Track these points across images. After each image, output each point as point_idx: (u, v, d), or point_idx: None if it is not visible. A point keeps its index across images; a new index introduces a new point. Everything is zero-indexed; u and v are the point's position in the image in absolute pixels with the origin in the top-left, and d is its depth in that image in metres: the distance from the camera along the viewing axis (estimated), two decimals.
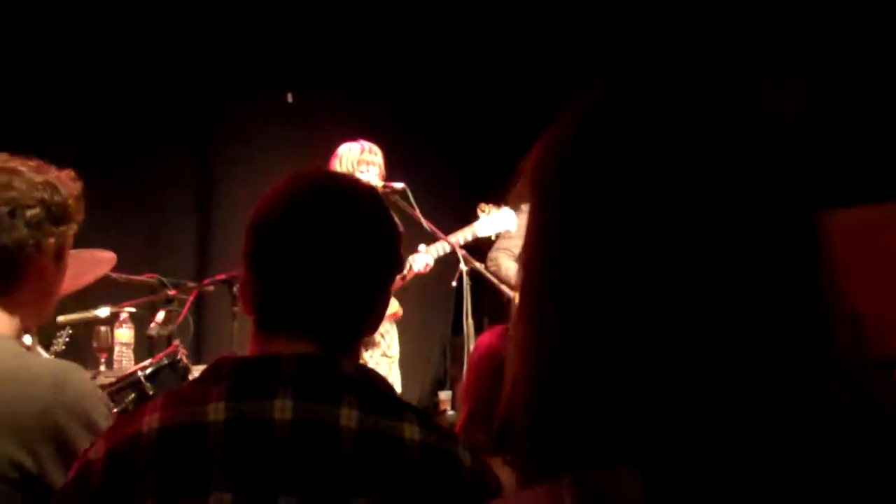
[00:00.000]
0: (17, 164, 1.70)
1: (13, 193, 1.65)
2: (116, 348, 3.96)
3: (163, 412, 1.25)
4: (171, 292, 3.79)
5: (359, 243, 1.34)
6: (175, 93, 5.59)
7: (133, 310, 3.91)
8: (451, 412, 5.48)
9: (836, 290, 0.64)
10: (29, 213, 1.66)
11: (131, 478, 1.20)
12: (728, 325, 0.60)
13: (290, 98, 5.98)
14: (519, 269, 0.64)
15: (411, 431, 1.25)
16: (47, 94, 5.11)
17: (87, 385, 1.68)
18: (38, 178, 1.69)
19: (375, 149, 4.46)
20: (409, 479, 1.22)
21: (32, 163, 1.73)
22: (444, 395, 6.10)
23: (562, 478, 0.60)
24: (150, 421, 1.24)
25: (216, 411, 1.22)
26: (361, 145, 4.44)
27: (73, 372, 1.65)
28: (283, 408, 1.22)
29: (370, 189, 1.46)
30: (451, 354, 6.43)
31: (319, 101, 5.95)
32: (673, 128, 0.64)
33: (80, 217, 1.77)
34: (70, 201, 1.74)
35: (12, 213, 1.65)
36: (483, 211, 4.62)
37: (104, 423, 1.59)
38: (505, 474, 1.37)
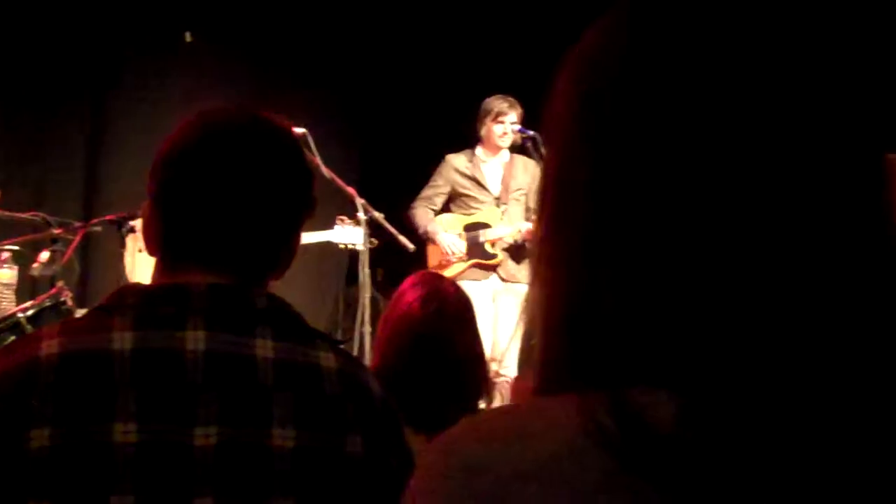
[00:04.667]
0: None
1: None
2: None
3: (62, 337, 1.17)
4: (57, 231, 3.65)
5: (276, 177, 1.29)
6: (68, 28, 5.39)
7: (15, 248, 3.77)
8: None
9: None
10: None
11: (26, 404, 1.12)
12: (786, 259, 0.56)
13: (188, 37, 5.82)
14: (540, 209, 0.59)
15: (327, 359, 1.25)
16: None
17: None
18: None
19: None
20: (329, 407, 1.21)
21: None
22: None
23: (590, 392, 0.56)
24: (49, 346, 1.16)
25: (122, 340, 1.16)
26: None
27: None
28: (195, 338, 1.18)
29: (286, 125, 1.40)
30: (345, 305, 6.40)
31: (216, 44, 5.81)
32: (743, 50, 0.59)
33: None
34: None
35: None
36: (341, 222, 4.60)
37: None
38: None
